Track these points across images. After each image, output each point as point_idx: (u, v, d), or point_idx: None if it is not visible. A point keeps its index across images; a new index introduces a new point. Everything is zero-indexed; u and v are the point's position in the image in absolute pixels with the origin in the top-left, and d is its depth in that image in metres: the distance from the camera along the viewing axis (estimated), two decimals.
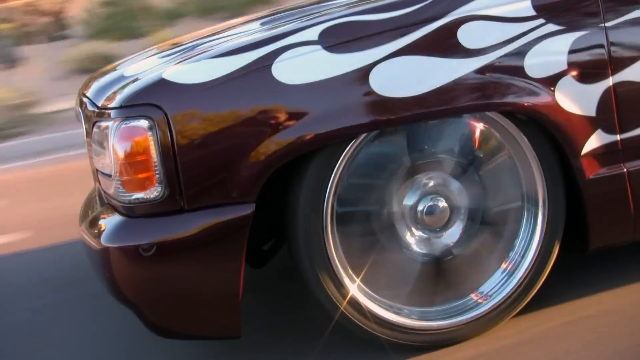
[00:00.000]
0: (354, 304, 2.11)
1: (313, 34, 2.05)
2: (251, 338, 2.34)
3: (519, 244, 2.22)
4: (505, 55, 2.08)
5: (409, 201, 2.17)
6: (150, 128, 1.95)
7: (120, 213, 2.05)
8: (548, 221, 2.20)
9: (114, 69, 2.44)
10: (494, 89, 2.09)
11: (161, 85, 2.00)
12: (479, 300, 2.19)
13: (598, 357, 2.05)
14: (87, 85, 2.42)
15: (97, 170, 2.16)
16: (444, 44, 2.07)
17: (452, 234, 2.21)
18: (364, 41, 2.04)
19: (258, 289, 2.71)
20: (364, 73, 2.02)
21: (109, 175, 2.04)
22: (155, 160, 1.96)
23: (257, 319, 2.50)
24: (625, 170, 2.19)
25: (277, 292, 2.71)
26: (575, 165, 2.16)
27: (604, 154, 2.17)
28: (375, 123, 2.05)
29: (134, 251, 1.99)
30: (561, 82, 2.12)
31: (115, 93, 2.09)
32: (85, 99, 2.30)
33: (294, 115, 2.00)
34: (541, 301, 2.30)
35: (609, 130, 2.17)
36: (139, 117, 1.96)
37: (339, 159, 2.06)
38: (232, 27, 2.59)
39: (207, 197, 1.98)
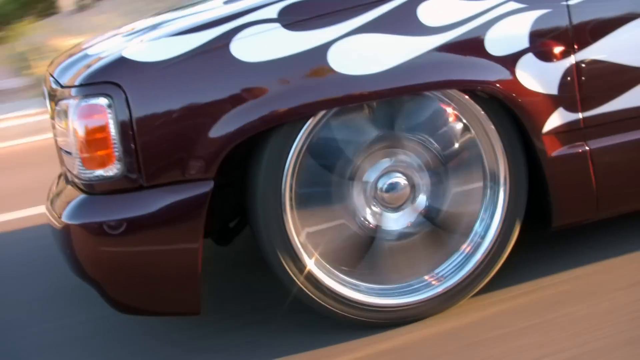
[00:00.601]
0: (312, 279, 2.12)
1: (272, 11, 2.05)
2: (212, 315, 2.37)
3: (479, 224, 2.22)
4: (466, 33, 2.08)
5: (368, 179, 2.17)
6: (109, 106, 1.96)
7: (82, 191, 2.07)
8: (509, 200, 2.20)
9: (80, 48, 2.45)
10: (454, 67, 2.09)
11: (120, 63, 2.01)
12: (433, 282, 2.20)
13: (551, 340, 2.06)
14: (53, 64, 2.44)
15: (60, 148, 2.18)
16: (403, 21, 2.07)
17: (412, 213, 2.21)
18: (323, 19, 2.04)
19: (221, 267, 2.73)
20: (322, 51, 2.02)
21: (70, 153, 2.05)
22: (114, 137, 1.97)
23: (219, 296, 2.52)
24: (587, 148, 2.19)
25: (240, 270, 2.72)
26: (537, 144, 2.16)
27: (566, 132, 2.17)
28: (333, 101, 2.05)
29: (93, 228, 2.00)
30: (522, 60, 2.11)
31: (77, 72, 2.10)
32: (50, 78, 2.32)
33: (252, 93, 2.00)
34: (506, 278, 2.31)
35: (571, 108, 2.16)
36: (98, 95, 1.98)
37: (296, 137, 2.06)
38: (199, 4, 2.58)
39: (166, 174, 2.00)
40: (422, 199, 2.21)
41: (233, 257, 2.78)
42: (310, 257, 2.12)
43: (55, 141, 2.26)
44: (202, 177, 2.00)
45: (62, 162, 2.25)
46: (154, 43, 2.06)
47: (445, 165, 2.20)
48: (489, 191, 2.22)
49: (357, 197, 2.17)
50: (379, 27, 2.05)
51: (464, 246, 2.22)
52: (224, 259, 2.79)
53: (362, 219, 2.18)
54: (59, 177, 2.44)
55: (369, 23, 2.05)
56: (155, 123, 1.98)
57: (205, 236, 2.26)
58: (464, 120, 2.19)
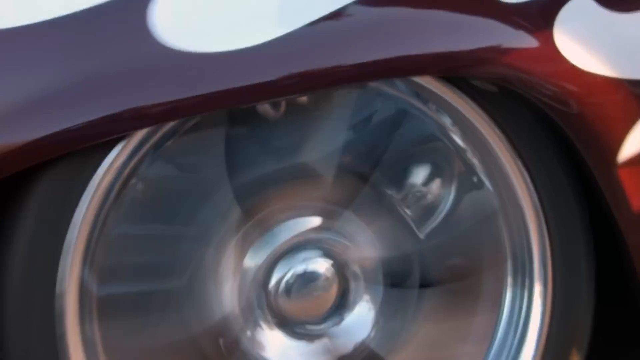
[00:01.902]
0: None
1: None
2: None
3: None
4: None
5: (251, 263, 1.13)
6: None
7: None
8: (553, 312, 1.15)
9: None
10: (424, 29, 1.06)
11: None
12: None
13: None
14: None
15: None
16: None
17: (350, 329, 1.15)
18: None
19: None
20: (138, 6, 1.03)
21: None
22: None
23: None
24: None
25: None
26: (607, 186, 1.10)
27: None
28: (165, 109, 1.03)
29: None
30: (568, 10, 1.07)
31: None
32: None
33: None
34: None
35: None
36: None
37: (88, 181, 1.05)
38: None
39: None
40: (366, 302, 1.15)
41: None
42: None
43: None
44: None
45: None
46: None
47: (417, 229, 1.16)
48: (512, 291, 1.16)
49: (225, 301, 1.13)
50: None
51: None
52: None
53: (252, 344, 1.14)
54: None
55: None
56: None
57: None
58: (459, 145, 1.14)
